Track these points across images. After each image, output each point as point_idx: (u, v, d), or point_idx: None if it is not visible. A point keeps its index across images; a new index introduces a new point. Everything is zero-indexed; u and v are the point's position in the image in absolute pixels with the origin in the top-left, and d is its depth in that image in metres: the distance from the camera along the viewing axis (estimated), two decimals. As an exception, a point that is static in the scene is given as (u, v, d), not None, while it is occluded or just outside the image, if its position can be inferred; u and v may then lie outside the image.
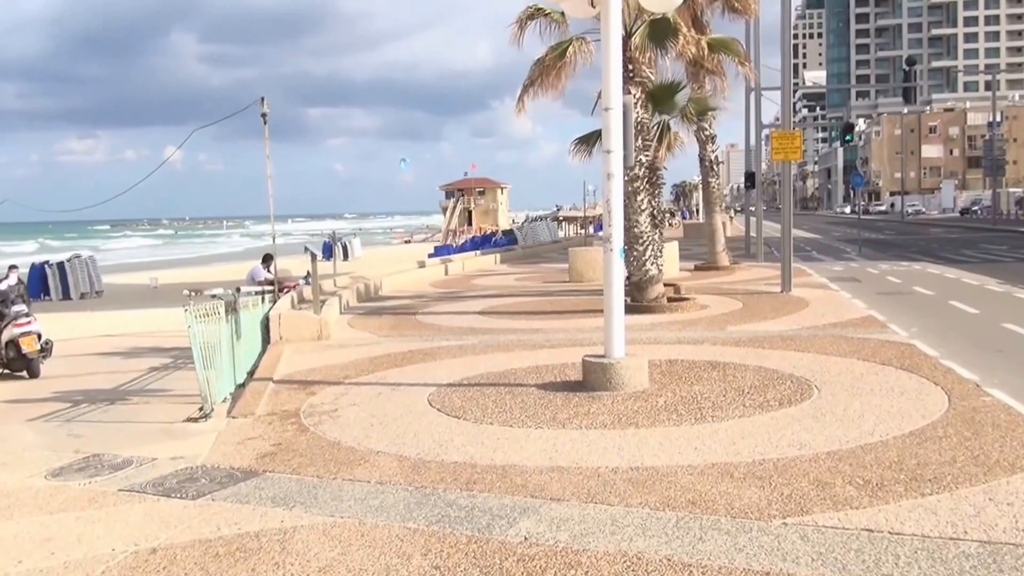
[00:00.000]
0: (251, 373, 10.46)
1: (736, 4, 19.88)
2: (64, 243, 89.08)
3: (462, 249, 42.88)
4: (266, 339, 12.46)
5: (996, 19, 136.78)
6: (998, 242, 37.20)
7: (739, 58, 17.75)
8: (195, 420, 8.20)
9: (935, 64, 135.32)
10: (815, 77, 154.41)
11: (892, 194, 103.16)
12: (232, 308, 9.79)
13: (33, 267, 33.48)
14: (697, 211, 76.37)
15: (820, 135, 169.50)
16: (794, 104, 32.46)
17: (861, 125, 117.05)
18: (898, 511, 5.04)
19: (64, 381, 11.22)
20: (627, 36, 14.32)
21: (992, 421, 6.97)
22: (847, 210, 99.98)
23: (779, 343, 11.25)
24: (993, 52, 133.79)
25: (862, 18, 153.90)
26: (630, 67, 14.55)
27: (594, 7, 9.34)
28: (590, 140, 16.18)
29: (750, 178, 34.75)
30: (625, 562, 4.46)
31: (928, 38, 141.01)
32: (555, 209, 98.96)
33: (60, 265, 33.72)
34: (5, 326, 11.97)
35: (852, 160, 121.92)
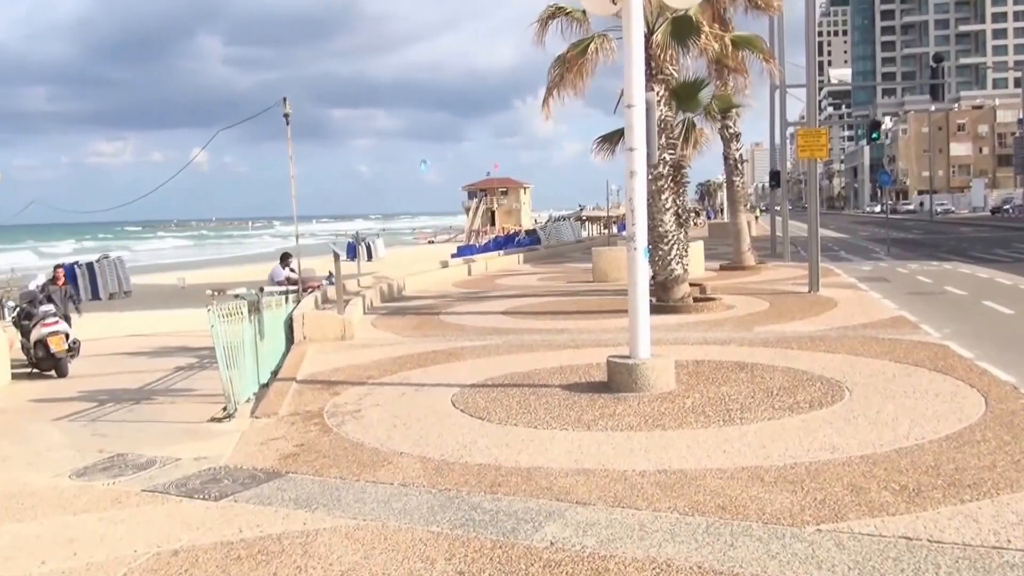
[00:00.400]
0: (275, 373, 10.45)
1: (759, 1, 19.64)
2: (99, 243, 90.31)
3: (485, 249, 42.84)
4: (290, 339, 12.46)
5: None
6: (1030, 241, 36.56)
7: (763, 55, 17.50)
8: (219, 420, 8.19)
9: (963, 61, 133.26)
10: (840, 75, 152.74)
11: (920, 193, 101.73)
12: (255, 308, 9.78)
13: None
14: (722, 211, 75.79)
15: (846, 133, 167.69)
16: (819, 102, 32.07)
17: (888, 123, 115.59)
18: (937, 518, 4.88)
19: (91, 380, 11.27)
20: (649, 34, 14.22)
21: (1032, 424, 6.76)
22: (876, 209, 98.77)
23: (808, 344, 11.06)
24: (1022, 48, 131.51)
25: (887, 15, 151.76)
26: (652, 65, 14.43)
27: (615, 4, 9.21)
28: (613, 139, 16.10)
29: (775, 177, 34.35)
30: (654, 568, 4.35)
31: (956, 34, 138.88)
32: (578, 209, 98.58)
33: (89, 265, 34.07)
34: (34, 326, 12.06)
35: (879, 158, 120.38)
